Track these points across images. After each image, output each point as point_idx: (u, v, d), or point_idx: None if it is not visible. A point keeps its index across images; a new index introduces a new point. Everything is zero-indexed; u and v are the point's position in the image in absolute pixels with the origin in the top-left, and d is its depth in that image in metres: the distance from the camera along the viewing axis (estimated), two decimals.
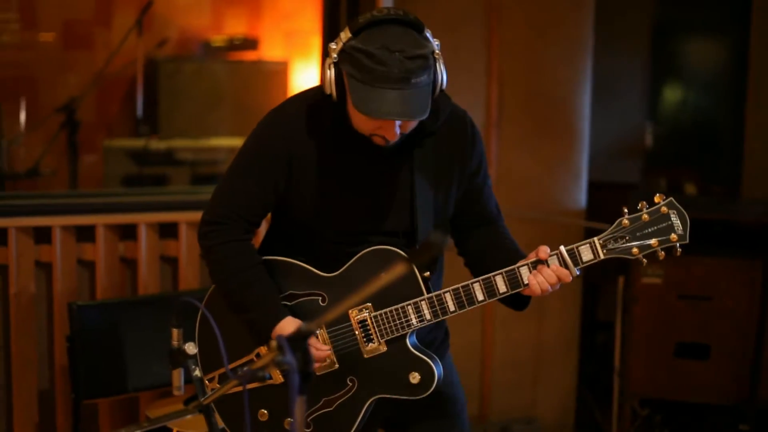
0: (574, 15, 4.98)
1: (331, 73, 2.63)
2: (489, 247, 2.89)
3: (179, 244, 4.37)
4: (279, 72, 6.50)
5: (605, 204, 4.82)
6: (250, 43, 6.69)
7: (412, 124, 2.66)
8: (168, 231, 4.39)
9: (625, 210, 2.64)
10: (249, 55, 6.70)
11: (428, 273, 2.78)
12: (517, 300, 2.80)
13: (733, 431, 4.45)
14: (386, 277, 2.02)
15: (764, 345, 4.23)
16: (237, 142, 6.19)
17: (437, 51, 2.60)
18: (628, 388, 4.69)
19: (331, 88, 2.64)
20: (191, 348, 2.78)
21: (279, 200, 2.82)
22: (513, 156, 4.98)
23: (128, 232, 4.35)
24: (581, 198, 5.04)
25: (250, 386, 2.84)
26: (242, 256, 2.82)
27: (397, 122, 2.59)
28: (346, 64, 2.57)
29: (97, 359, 3.83)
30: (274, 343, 2.11)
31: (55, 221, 4.23)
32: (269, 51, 6.68)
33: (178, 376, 2.86)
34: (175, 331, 2.79)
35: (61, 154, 5.75)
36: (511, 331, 5.01)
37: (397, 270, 2.00)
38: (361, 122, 2.64)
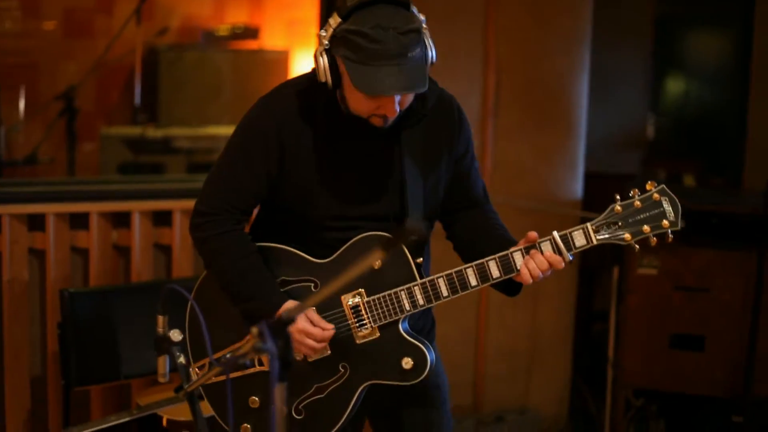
0: (573, 4, 4.96)
1: (324, 60, 2.64)
2: (478, 232, 2.91)
3: (173, 231, 4.37)
4: (280, 61, 6.48)
5: (603, 195, 4.80)
6: (251, 32, 6.66)
7: (409, 99, 2.68)
8: (162, 219, 4.40)
9: (618, 197, 2.66)
10: (250, 44, 6.68)
11: (420, 259, 2.79)
12: (510, 285, 2.80)
13: (726, 423, 4.44)
14: (363, 264, 2.02)
15: (759, 337, 4.21)
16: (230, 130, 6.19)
17: (425, 26, 2.63)
18: (623, 378, 4.68)
19: (326, 76, 2.64)
20: (176, 335, 2.78)
21: (271, 187, 2.81)
22: (509, 145, 4.96)
23: (122, 220, 4.35)
24: (577, 188, 5.03)
25: (239, 373, 2.85)
26: (238, 246, 2.82)
27: (397, 98, 2.61)
28: (341, 48, 2.58)
29: (88, 346, 3.83)
30: (255, 330, 2.10)
31: (49, 208, 4.24)
32: (270, 40, 6.66)
33: (163, 363, 2.87)
34: (160, 318, 2.79)
35: (60, 142, 5.75)
36: (505, 321, 5.00)
37: (373, 257, 1.99)
38: (360, 104, 2.65)
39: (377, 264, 2.74)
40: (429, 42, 2.63)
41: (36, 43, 6.35)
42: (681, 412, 4.84)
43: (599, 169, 5.71)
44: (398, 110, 2.65)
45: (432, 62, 2.65)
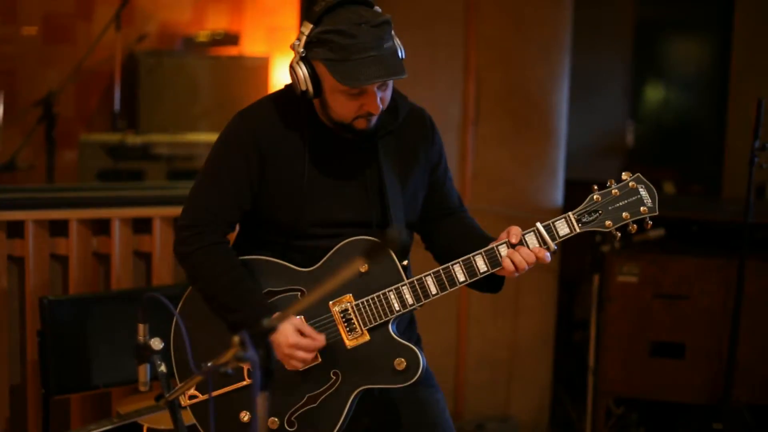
0: (553, 13, 4.98)
1: (302, 69, 2.69)
2: (457, 235, 2.93)
3: (153, 239, 4.35)
4: (260, 67, 6.47)
5: (583, 202, 4.81)
6: (231, 39, 6.65)
7: (388, 97, 2.72)
8: (142, 226, 4.37)
9: (595, 186, 2.73)
10: (230, 51, 6.67)
11: (406, 261, 2.81)
12: (492, 283, 2.82)
13: (706, 430, 4.45)
14: (345, 271, 2.01)
15: (739, 345, 4.22)
16: (215, 137, 6.16)
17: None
18: (603, 386, 4.69)
19: (306, 83, 2.69)
20: (157, 343, 2.76)
21: (253, 197, 2.82)
22: (489, 153, 4.97)
23: (102, 227, 4.32)
24: (557, 196, 5.04)
25: (231, 388, 2.83)
26: (223, 258, 2.82)
27: (378, 94, 2.66)
28: (319, 50, 2.64)
29: (68, 354, 3.80)
30: (236, 339, 2.09)
31: (29, 215, 4.20)
32: (250, 46, 6.65)
33: (144, 372, 2.85)
34: (141, 326, 2.77)
35: (39, 149, 5.72)
36: (486, 330, 5.00)
37: (355, 264, 1.99)
38: (343, 106, 2.70)
39: (364, 268, 2.75)
40: (397, 40, 2.70)
41: (14, 49, 6.31)
42: (661, 420, 4.85)
43: (578, 176, 5.72)
44: (381, 106, 2.69)
45: (402, 58, 2.70)
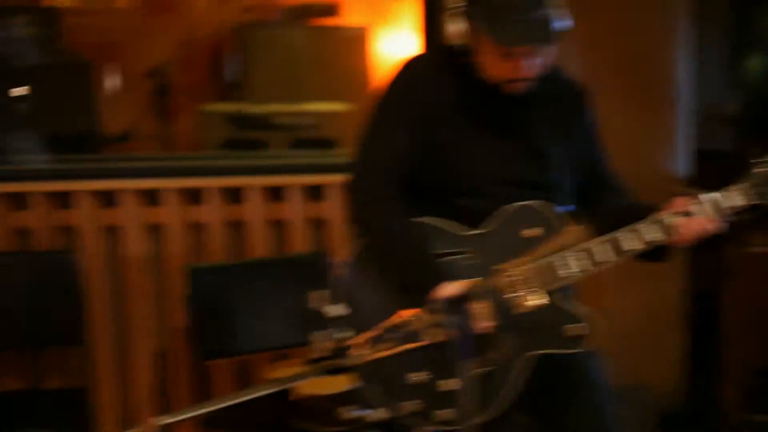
0: None
1: (458, 26, 2.69)
2: (619, 209, 2.87)
3: (286, 207, 4.37)
4: (358, 38, 6.48)
5: (706, 172, 4.78)
6: (331, 9, 6.67)
7: (544, 63, 2.69)
8: (274, 194, 4.40)
9: (754, 161, 2.70)
10: (329, 21, 6.69)
11: None
12: (660, 252, 2.79)
13: None
14: (555, 243, 2.02)
15: None
16: (328, 107, 6.18)
17: None
18: (738, 356, 4.64)
19: (460, 39, 2.69)
20: (334, 310, 2.77)
21: (423, 147, 2.78)
22: (609, 123, 4.92)
23: (235, 195, 4.36)
24: (681, 165, 5.00)
25: (405, 347, 2.81)
26: (400, 215, 2.78)
27: (532, 59, 2.64)
28: (475, 9, 2.63)
29: (215, 321, 3.85)
30: (436, 305, 2.10)
31: (166, 183, 4.26)
32: (350, 17, 6.66)
33: (319, 339, 2.86)
34: (315, 294, 2.77)
35: (150, 119, 5.78)
36: (619, 300, 4.98)
37: (568, 238, 1.99)
38: (494, 67, 2.68)
39: (534, 233, 2.74)
40: (560, 10, 2.66)
41: (118, 22, 6.38)
42: None
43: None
44: (533, 72, 2.67)
45: (564, 29, 2.66)
